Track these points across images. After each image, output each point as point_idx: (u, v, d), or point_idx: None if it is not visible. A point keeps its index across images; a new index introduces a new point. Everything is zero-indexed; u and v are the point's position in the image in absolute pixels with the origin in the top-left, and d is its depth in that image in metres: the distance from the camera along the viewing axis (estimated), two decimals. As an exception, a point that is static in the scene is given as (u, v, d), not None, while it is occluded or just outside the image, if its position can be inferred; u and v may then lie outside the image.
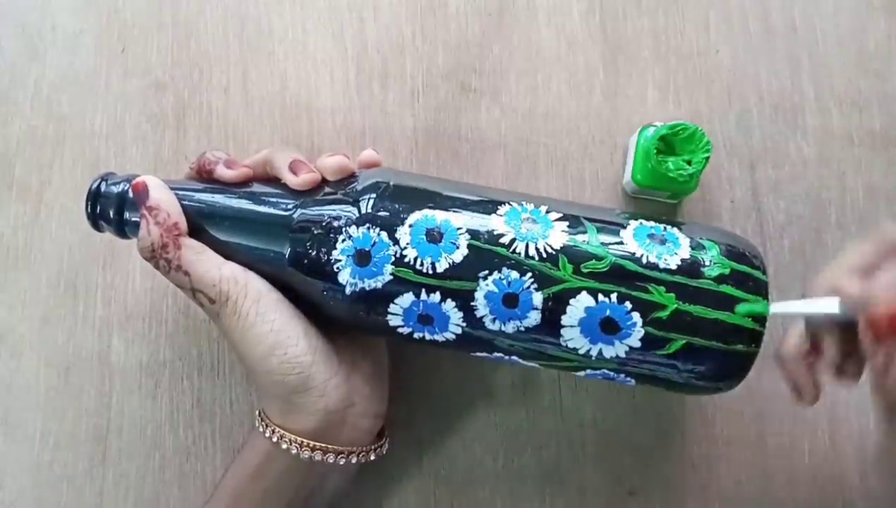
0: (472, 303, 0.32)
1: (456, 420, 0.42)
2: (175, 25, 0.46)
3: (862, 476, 0.42)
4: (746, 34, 0.45)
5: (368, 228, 0.33)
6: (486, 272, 0.32)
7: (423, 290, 0.32)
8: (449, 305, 0.32)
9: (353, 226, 0.33)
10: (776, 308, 0.31)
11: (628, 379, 0.34)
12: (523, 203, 0.34)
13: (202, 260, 0.34)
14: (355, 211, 0.33)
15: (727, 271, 0.32)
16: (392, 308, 0.33)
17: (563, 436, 0.42)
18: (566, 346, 0.33)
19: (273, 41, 0.45)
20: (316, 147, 0.45)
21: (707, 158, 0.39)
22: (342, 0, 0.46)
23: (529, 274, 0.32)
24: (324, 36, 0.46)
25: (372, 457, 0.36)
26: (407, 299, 0.33)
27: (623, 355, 0.32)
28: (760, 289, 0.32)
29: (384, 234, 0.32)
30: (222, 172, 0.36)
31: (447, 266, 0.32)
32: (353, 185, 0.35)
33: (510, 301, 0.32)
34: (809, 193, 0.44)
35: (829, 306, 0.30)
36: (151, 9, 0.46)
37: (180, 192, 0.35)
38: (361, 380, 0.36)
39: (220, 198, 0.35)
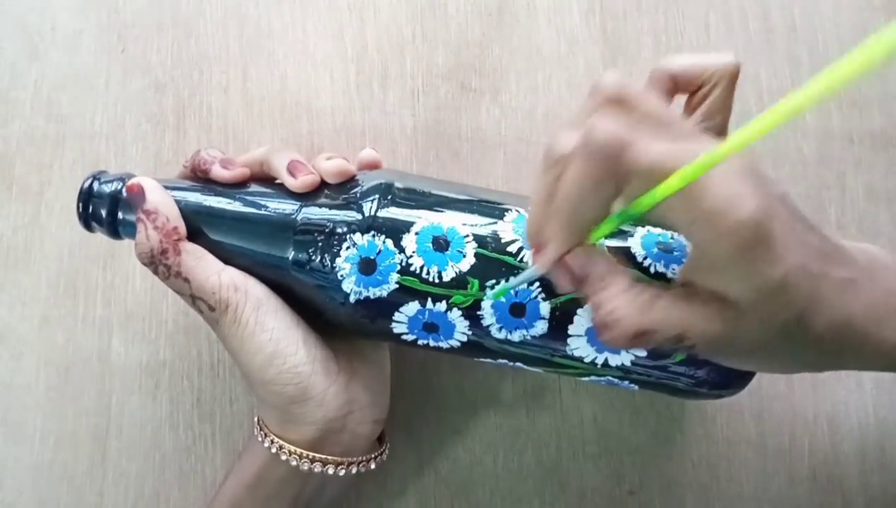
0: (478, 312, 0.32)
1: (456, 420, 0.42)
2: (175, 25, 0.46)
3: (862, 476, 0.42)
4: (746, 34, 0.45)
5: (373, 236, 0.32)
6: (494, 281, 0.31)
7: (429, 299, 0.32)
8: (455, 314, 0.32)
9: (358, 233, 0.32)
10: (497, 289, 0.31)
11: (632, 385, 0.34)
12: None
13: (202, 267, 0.33)
14: (359, 216, 0.32)
15: None
16: (397, 316, 0.32)
17: (564, 436, 0.42)
18: (572, 355, 0.32)
19: (273, 41, 0.45)
20: (316, 147, 0.44)
21: (707, 158, 0.39)
22: (342, 0, 0.46)
23: (537, 284, 0.31)
24: (324, 36, 0.45)
25: (373, 466, 0.36)
26: (412, 307, 0.32)
27: (629, 363, 0.32)
28: None
29: (390, 242, 0.32)
30: (219, 173, 0.35)
31: (454, 275, 0.31)
32: (355, 189, 0.33)
33: (517, 310, 0.31)
34: (809, 193, 0.44)
35: (535, 272, 0.28)
36: (151, 9, 0.46)
37: (175, 193, 0.34)
38: (361, 387, 0.35)
39: (217, 200, 0.34)
